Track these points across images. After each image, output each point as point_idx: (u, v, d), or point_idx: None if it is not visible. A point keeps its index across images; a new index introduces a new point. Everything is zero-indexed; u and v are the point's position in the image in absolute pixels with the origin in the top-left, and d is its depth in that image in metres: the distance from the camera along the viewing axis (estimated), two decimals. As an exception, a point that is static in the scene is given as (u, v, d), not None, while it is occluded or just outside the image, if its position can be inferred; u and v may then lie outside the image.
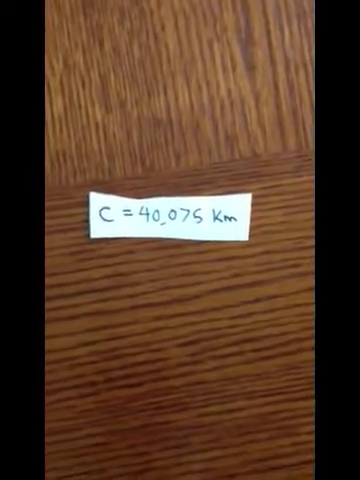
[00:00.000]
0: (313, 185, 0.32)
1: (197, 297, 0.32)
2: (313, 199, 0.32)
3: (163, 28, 0.34)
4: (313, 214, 0.32)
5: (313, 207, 0.32)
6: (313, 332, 0.31)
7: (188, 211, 0.33)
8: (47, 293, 0.32)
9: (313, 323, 0.32)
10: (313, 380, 0.31)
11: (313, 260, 0.32)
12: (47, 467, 0.31)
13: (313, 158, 0.33)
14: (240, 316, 0.32)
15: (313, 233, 0.32)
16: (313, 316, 0.32)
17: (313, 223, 0.32)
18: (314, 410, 0.30)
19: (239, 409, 0.31)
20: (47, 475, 0.31)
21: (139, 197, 0.33)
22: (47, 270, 0.32)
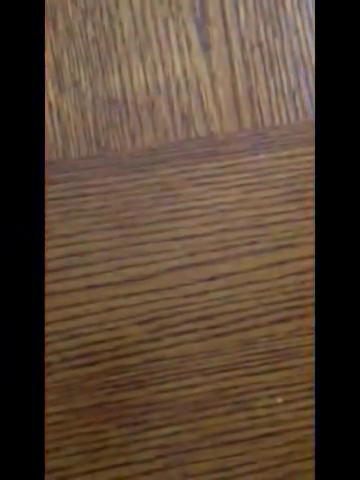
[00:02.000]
0: (282, 162, 0.33)
1: (153, 276, 0.32)
2: (269, 178, 0.33)
3: (117, 6, 0.33)
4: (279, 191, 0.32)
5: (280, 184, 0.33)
6: (271, 308, 0.32)
7: None
8: None
9: (270, 299, 0.32)
10: (269, 355, 0.31)
11: (269, 238, 0.33)
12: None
13: (313, 132, 0.33)
14: (196, 294, 0.32)
15: (276, 210, 0.32)
16: (271, 292, 0.32)
17: (277, 200, 0.32)
18: (272, 384, 0.31)
19: (196, 385, 0.31)
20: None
21: (95, 177, 0.32)
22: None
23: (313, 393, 0.31)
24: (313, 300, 0.32)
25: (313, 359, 0.31)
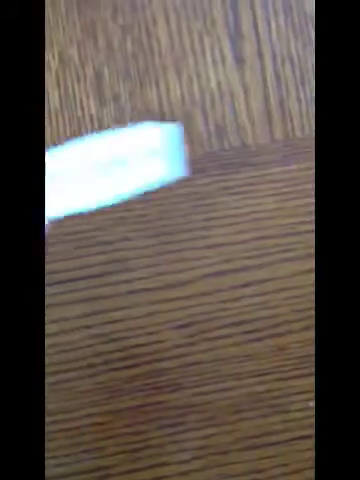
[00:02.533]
0: (313, 171, 0.33)
1: (190, 282, 0.33)
2: (313, 185, 0.33)
3: (155, 23, 0.35)
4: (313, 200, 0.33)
5: (313, 193, 0.33)
6: (304, 314, 0.33)
7: None
8: (47, 279, 0.33)
9: (304, 306, 0.33)
10: (303, 360, 0.32)
11: (303, 245, 0.33)
12: (47, 446, 0.32)
13: (313, 147, 0.34)
14: (231, 300, 0.33)
15: (309, 219, 0.33)
16: (312, 297, 0.33)
17: (311, 209, 0.33)
18: (305, 389, 0.32)
19: (231, 389, 0.32)
20: (47, 454, 0.32)
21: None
22: (47, 257, 0.33)
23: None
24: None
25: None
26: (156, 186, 0.26)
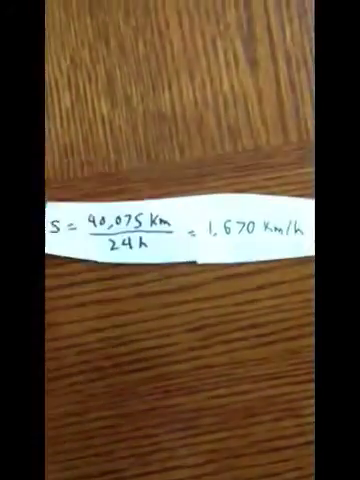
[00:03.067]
0: (313, 176, 0.33)
1: (203, 284, 0.33)
2: (313, 190, 0.33)
3: (167, 25, 0.35)
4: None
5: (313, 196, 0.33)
6: (313, 318, 0.32)
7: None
8: (57, 282, 0.33)
9: (313, 309, 0.33)
10: (313, 364, 0.32)
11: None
12: (56, 450, 0.32)
13: (312, 150, 0.34)
14: (244, 303, 0.33)
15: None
16: (313, 303, 0.33)
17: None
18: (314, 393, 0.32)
19: (245, 392, 0.32)
20: (56, 458, 0.32)
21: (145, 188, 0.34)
22: (57, 260, 0.33)
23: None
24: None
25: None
26: None
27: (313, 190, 0.33)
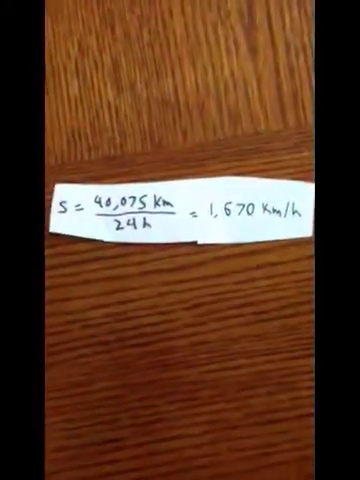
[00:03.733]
0: (313, 160, 0.34)
1: (202, 264, 0.34)
2: (313, 174, 0.34)
3: (171, 14, 0.36)
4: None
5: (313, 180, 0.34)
6: (312, 297, 0.34)
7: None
8: (64, 260, 0.34)
9: (312, 288, 0.34)
10: (311, 340, 0.33)
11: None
12: (63, 418, 0.33)
13: (313, 135, 0.35)
14: (242, 282, 0.34)
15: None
16: (313, 282, 0.34)
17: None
18: (313, 368, 0.33)
19: (240, 367, 0.33)
20: (63, 425, 0.33)
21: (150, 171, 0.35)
22: (64, 238, 0.34)
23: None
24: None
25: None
26: None
27: (311, 174, 0.34)
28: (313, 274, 0.33)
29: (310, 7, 0.36)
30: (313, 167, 0.34)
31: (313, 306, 0.33)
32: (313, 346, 0.33)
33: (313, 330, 0.33)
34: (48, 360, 0.33)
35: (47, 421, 0.33)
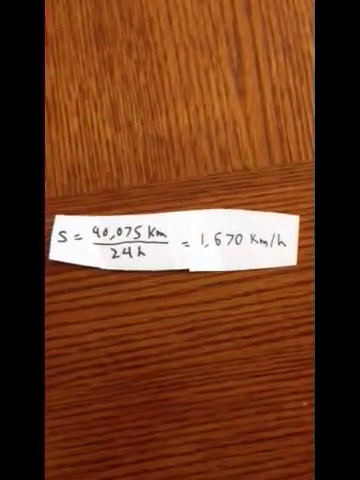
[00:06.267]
0: (309, 193, 0.37)
1: (194, 291, 0.36)
2: (308, 205, 0.37)
3: (165, 58, 0.38)
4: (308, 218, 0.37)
5: (309, 212, 0.37)
6: (298, 321, 0.36)
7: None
8: (64, 286, 0.36)
9: (297, 314, 0.36)
10: (296, 363, 0.35)
11: (298, 259, 0.37)
12: (62, 437, 0.34)
13: (313, 170, 0.37)
14: (231, 307, 0.36)
15: (304, 235, 0.36)
16: (299, 307, 0.36)
17: (306, 226, 0.36)
18: (299, 389, 0.35)
19: (231, 388, 0.35)
20: (61, 444, 0.34)
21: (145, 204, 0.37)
22: (64, 266, 0.36)
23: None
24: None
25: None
26: None
27: (295, 207, 0.37)
28: (307, 299, 0.35)
29: (295, 53, 0.38)
30: (308, 199, 0.36)
31: (306, 328, 0.35)
32: (307, 366, 0.35)
33: (307, 352, 0.35)
34: (48, 382, 0.35)
35: (47, 440, 0.34)
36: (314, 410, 0.28)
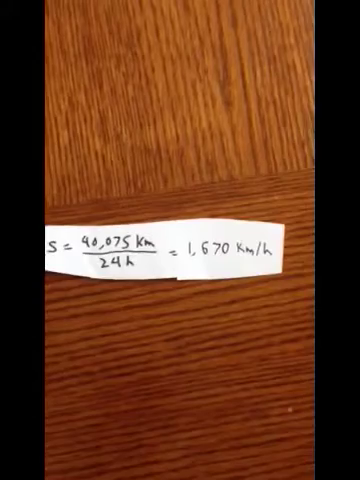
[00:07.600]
0: (293, 202, 0.37)
1: (181, 299, 0.37)
2: (293, 214, 0.37)
3: (153, 70, 0.38)
4: (292, 227, 0.37)
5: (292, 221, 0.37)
6: (283, 329, 0.36)
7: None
8: (53, 296, 0.36)
9: (282, 321, 0.36)
10: (281, 370, 0.36)
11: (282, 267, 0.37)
12: (48, 445, 0.35)
13: (314, 177, 0.37)
14: (218, 315, 0.36)
15: (288, 243, 0.37)
16: (284, 315, 0.36)
17: (290, 235, 0.37)
18: (284, 396, 0.35)
19: (217, 395, 0.35)
20: (49, 452, 0.35)
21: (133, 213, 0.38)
22: (54, 276, 0.37)
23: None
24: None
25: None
26: None
27: (281, 216, 0.37)
28: (291, 306, 0.36)
29: (280, 64, 0.39)
30: (293, 208, 0.37)
31: (291, 335, 0.35)
32: (291, 373, 0.35)
33: (292, 359, 0.35)
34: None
35: (35, 447, 0.35)
36: (314, 414, 0.29)
